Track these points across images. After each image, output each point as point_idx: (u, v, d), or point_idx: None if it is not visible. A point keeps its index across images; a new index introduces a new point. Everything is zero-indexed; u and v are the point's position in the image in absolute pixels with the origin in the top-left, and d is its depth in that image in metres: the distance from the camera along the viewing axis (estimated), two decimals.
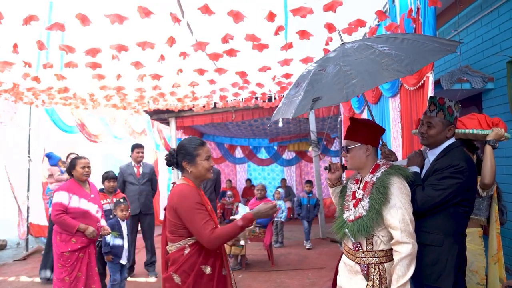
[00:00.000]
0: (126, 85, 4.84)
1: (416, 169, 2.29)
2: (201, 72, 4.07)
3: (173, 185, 2.35)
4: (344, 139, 2.25)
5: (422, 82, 3.30)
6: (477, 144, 2.90)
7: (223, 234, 2.14)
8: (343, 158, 7.95)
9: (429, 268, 2.10)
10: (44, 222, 7.44)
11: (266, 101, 6.97)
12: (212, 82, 4.74)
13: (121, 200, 4.41)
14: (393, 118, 4.51)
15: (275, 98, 7.22)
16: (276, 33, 2.87)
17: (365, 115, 5.97)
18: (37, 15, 2.74)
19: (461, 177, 2.04)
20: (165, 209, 2.35)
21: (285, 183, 11.70)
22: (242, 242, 5.41)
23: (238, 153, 12.81)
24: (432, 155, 2.27)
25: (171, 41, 3.06)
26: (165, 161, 2.39)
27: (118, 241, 4.18)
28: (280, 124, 9.09)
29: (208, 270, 2.22)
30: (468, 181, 2.08)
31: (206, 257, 2.22)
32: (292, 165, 12.84)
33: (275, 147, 12.75)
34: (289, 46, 3.21)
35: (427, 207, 2.08)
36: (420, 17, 3.31)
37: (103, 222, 4.01)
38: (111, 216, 4.50)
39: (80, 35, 3.16)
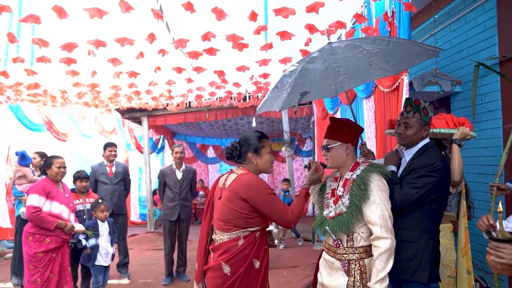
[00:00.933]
0: (101, 83, 4.71)
1: (393, 168, 2.37)
2: (179, 70, 4.02)
3: (229, 174, 2.38)
4: (325, 138, 2.30)
5: (397, 84, 3.41)
6: (445, 143, 3.04)
7: (298, 212, 2.28)
8: (315, 158, 8.04)
9: (406, 263, 2.18)
10: (8, 224, 7.12)
11: (242, 101, 6.98)
12: (189, 80, 4.70)
13: (100, 201, 4.32)
14: (367, 118, 4.63)
15: (249, 98, 7.24)
16: (258, 32, 2.88)
17: (338, 116, 6.10)
18: (9, 6, 2.62)
19: (436, 175, 2.14)
20: (210, 199, 2.40)
21: None
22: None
23: (210, 153, 12.74)
24: (408, 154, 2.36)
25: (152, 38, 3.01)
26: (226, 154, 2.41)
27: (92, 242, 4.07)
28: (254, 124, 9.11)
29: (257, 264, 2.24)
30: (443, 179, 2.18)
31: (257, 251, 2.24)
32: None
33: None
34: (269, 46, 3.23)
35: (405, 205, 2.16)
36: (395, 21, 3.42)
37: (77, 226, 3.88)
38: (84, 217, 4.38)
39: (54, 28, 3.04)
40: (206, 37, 2.96)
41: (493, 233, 1.56)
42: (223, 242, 2.22)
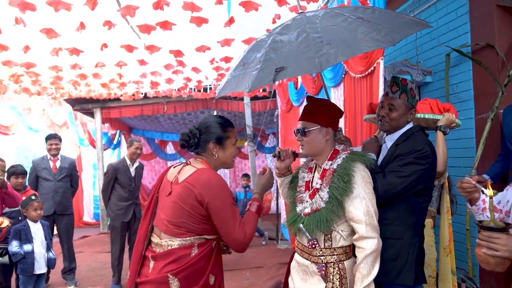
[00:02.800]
0: (38, 61, 4.10)
1: (374, 156, 2.08)
2: (129, 48, 3.52)
3: (184, 166, 1.91)
4: (301, 120, 1.97)
5: (372, 68, 3.16)
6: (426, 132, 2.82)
7: (251, 234, 1.80)
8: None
9: (389, 264, 1.89)
10: None
11: (202, 90, 6.55)
12: (142, 62, 4.19)
13: (33, 197, 3.73)
14: None
15: (210, 89, 6.83)
16: (220, 2, 2.51)
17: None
18: None
19: (424, 163, 1.88)
20: (155, 193, 1.95)
21: None
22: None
23: (170, 149, 12.17)
24: (390, 140, 2.08)
25: (93, 3, 2.53)
26: (181, 142, 1.92)
27: (26, 247, 3.52)
28: None
29: (212, 280, 1.81)
30: (431, 168, 1.92)
31: (214, 264, 1.81)
32: None
33: None
34: (231, 20, 2.86)
35: (389, 196, 1.88)
36: (369, 2, 3.17)
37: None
38: (20, 218, 3.80)
39: None
40: (159, 4, 2.54)
41: (482, 222, 1.36)
42: (173, 249, 1.75)
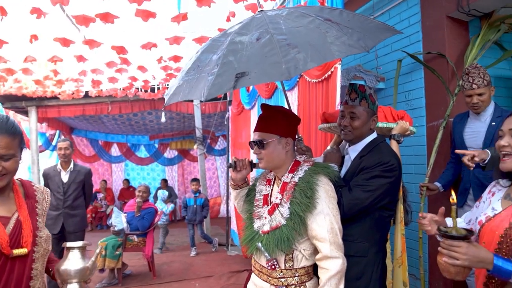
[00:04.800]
0: None
1: (336, 168, 1.95)
2: (65, 42, 3.12)
3: None
4: (257, 131, 1.78)
5: (329, 73, 3.06)
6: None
7: None
8: (230, 158, 7.54)
9: (352, 283, 1.76)
10: None
11: (149, 91, 6.18)
12: (81, 59, 3.78)
13: None
14: None
15: (158, 89, 6.48)
16: None
17: (255, 112, 5.68)
18: None
19: (391, 175, 1.77)
20: None
21: (166, 183, 10.90)
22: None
23: (115, 151, 11.54)
24: (354, 151, 1.96)
25: None
26: None
27: None
28: (163, 119, 8.32)
29: None
30: (397, 180, 1.83)
31: None
32: (174, 165, 12.11)
33: (156, 145, 11.84)
34: (183, 17, 2.61)
35: (354, 212, 1.75)
36: (326, 3, 3.07)
37: None
38: None
39: None
40: None
41: (443, 229, 1.32)
42: None
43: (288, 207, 1.64)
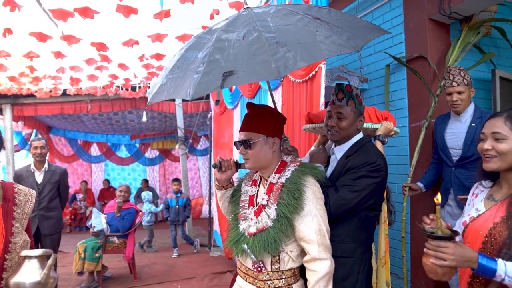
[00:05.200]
0: None
1: (322, 168, 1.93)
2: (41, 37, 3.00)
3: None
4: (243, 130, 1.74)
5: (313, 73, 3.05)
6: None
7: None
8: (213, 158, 7.44)
9: (339, 284, 1.74)
10: None
11: (130, 89, 6.05)
12: (58, 55, 3.65)
13: None
14: None
15: (139, 87, 6.36)
16: None
17: (238, 112, 5.63)
18: None
19: (378, 176, 1.77)
20: None
21: (147, 184, 10.75)
22: None
23: (94, 150, 11.29)
24: (340, 151, 1.94)
25: None
26: None
27: None
28: (144, 119, 8.20)
29: None
30: (383, 181, 1.82)
31: None
32: (156, 165, 11.95)
33: (137, 145, 11.65)
34: (165, 14, 2.55)
35: (341, 212, 1.73)
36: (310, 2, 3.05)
37: None
38: None
39: None
40: None
41: (428, 230, 1.31)
42: None
43: (275, 209, 1.61)
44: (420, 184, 3.14)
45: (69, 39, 3.04)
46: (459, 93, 2.86)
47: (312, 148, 2.58)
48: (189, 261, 6.10)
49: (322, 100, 3.03)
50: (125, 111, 8.13)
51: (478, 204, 1.54)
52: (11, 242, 1.46)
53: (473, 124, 2.87)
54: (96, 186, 11.25)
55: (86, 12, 2.52)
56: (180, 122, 8.08)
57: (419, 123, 3.39)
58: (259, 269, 1.61)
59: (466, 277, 1.47)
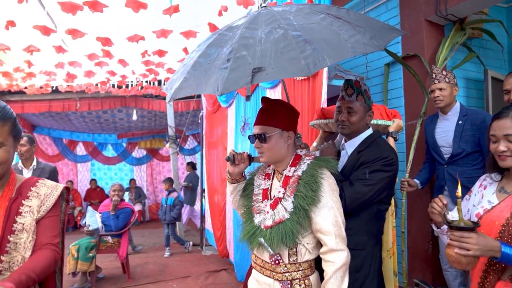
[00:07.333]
0: None
1: (336, 162, 1.98)
2: (45, 31, 2.95)
3: None
4: (259, 124, 1.76)
5: None
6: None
7: None
8: (203, 156, 7.37)
9: (352, 276, 1.78)
10: None
11: (123, 86, 5.99)
12: (60, 49, 3.60)
13: None
14: None
15: (132, 86, 6.30)
16: None
17: (233, 110, 5.64)
18: None
19: (390, 170, 1.83)
20: None
21: (135, 183, 10.64)
22: None
23: (80, 149, 11.09)
24: (351, 146, 2.00)
25: None
26: None
27: None
28: (135, 117, 8.13)
29: None
30: (395, 175, 1.89)
31: None
32: (143, 164, 11.82)
33: (124, 144, 11.50)
34: (174, 9, 2.55)
35: (356, 205, 1.78)
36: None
37: None
38: None
39: None
40: None
41: (451, 221, 1.38)
42: None
43: (292, 201, 1.63)
44: (416, 181, 3.24)
45: (74, 33, 3.00)
46: (440, 89, 2.99)
47: (314, 143, 2.64)
48: (182, 260, 6.08)
49: (324, 97, 3.08)
50: (114, 109, 8.04)
51: (489, 196, 1.60)
52: (9, 241, 1.34)
53: (460, 122, 3.02)
54: (82, 186, 11.05)
55: (95, 6, 2.49)
56: (170, 120, 8.05)
57: (415, 121, 3.49)
58: (277, 261, 1.63)
59: (480, 266, 1.53)
